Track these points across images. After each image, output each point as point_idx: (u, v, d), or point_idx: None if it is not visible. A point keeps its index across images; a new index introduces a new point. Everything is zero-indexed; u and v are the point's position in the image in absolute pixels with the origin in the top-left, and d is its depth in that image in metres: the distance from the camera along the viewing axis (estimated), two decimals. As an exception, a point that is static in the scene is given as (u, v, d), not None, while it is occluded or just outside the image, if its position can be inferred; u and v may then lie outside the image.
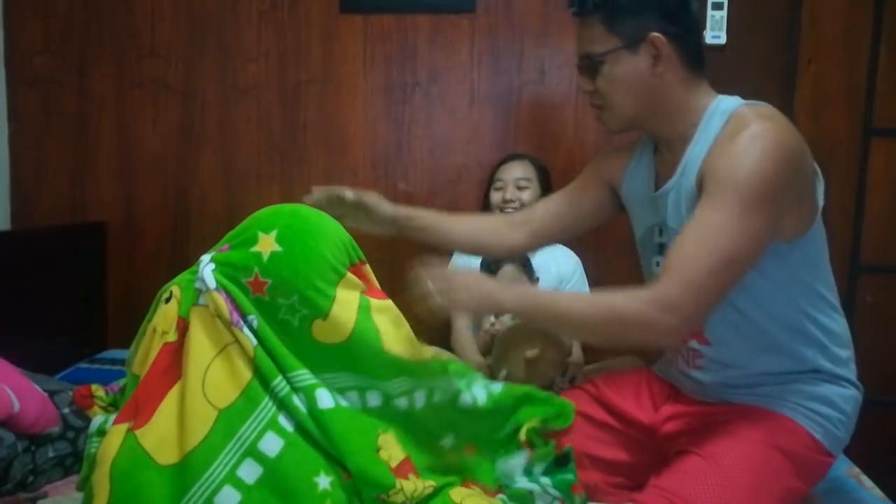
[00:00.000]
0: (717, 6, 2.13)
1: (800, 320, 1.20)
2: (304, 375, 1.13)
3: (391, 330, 1.18)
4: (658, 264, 1.32)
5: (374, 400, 1.18)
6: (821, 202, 1.21)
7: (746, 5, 2.16)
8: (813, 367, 1.21)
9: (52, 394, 1.42)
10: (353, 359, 1.15)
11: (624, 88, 1.22)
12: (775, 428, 1.17)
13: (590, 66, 1.24)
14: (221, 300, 1.15)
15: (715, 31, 2.14)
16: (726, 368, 1.25)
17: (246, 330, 1.14)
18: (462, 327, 1.99)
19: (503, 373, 1.67)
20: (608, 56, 1.21)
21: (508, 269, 1.86)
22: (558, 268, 2.01)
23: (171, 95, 2.33)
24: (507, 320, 1.77)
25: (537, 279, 1.91)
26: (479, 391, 1.27)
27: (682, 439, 1.21)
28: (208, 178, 2.34)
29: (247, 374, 1.14)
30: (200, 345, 1.15)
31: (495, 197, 2.04)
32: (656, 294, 1.07)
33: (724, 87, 2.15)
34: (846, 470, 1.46)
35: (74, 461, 1.39)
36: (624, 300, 1.09)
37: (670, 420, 1.30)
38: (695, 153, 1.20)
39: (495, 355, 1.68)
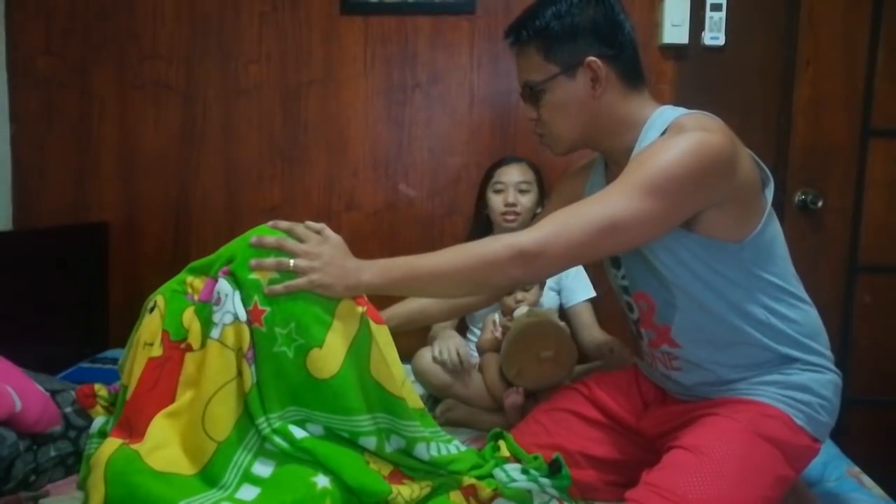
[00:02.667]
0: (716, 7, 2.14)
1: (762, 314, 1.22)
2: (276, 417, 1.15)
3: (382, 352, 1.19)
4: (618, 276, 1.37)
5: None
6: (768, 203, 1.23)
7: (745, 7, 2.17)
8: (784, 358, 1.23)
9: (53, 393, 1.43)
10: (338, 395, 1.15)
11: (565, 113, 1.27)
12: (757, 416, 1.19)
13: (531, 94, 1.29)
14: (247, 334, 1.16)
15: (714, 33, 2.15)
16: (701, 368, 1.27)
17: (253, 367, 1.15)
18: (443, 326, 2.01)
19: (515, 369, 1.67)
20: (547, 83, 1.26)
21: None
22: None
23: (172, 96, 2.33)
24: (519, 315, 1.78)
25: (544, 282, 1.92)
26: (442, 446, 1.26)
27: (669, 437, 1.23)
28: (210, 179, 2.35)
29: (240, 408, 1.16)
30: (207, 380, 1.16)
31: (496, 200, 2.03)
32: (520, 242, 1.12)
33: (722, 88, 2.18)
34: (846, 469, 1.46)
35: (76, 460, 1.40)
36: (492, 246, 1.14)
37: (656, 423, 1.33)
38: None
39: (507, 351, 1.69)
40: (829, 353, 1.27)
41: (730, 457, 1.12)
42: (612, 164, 1.34)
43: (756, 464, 1.14)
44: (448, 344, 1.78)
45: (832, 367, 1.27)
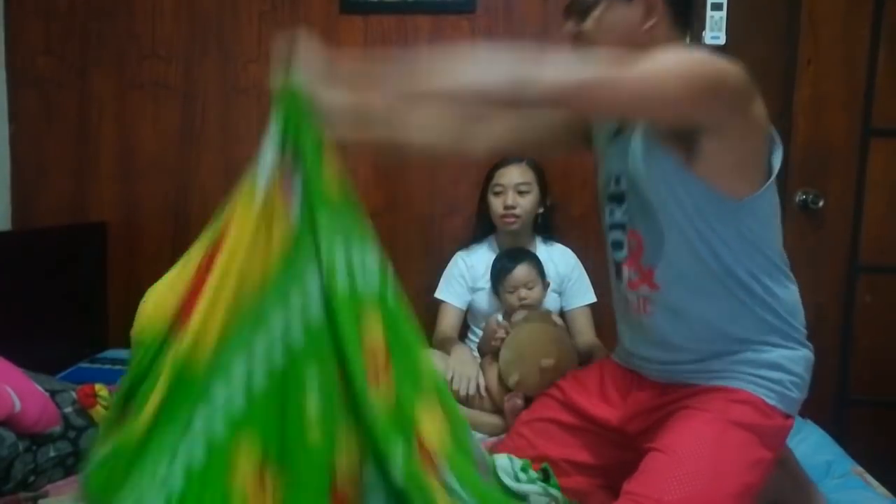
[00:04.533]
0: (717, 7, 2.14)
1: (747, 280, 1.20)
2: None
3: None
4: (617, 213, 1.33)
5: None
6: (775, 168, 1.22)
7: (746, 6, 2.16)
8: (760, 326, 1.22)
9: (53, 393, 1.43)
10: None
11: (612, 36, 1.22)
12: (728, 403, 1.19)
13: (581, 8, 1.24)
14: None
15: (714, 32, 2.15)
16: (676, 316, 1.25)
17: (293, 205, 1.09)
18: (447, 327, 2.00)
19: (514, 377, 1.66)
20: (602, 0, 1.22)
21: (523, 270, 1.86)
22: (556, 268, 2.02)
23: (171, 96, 2.33)
24: (518, 320, 1.77)
25: (549, 283, 1.92)
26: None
27: (647, 436, 1.23)
28: (209, 179, 2.35)
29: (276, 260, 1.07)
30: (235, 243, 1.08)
31: (495, 203, 2.02)
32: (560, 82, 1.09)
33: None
34: (851, 468, 1.47)
35: (76, 461, 1.39)
36: (551, 68, 1.10)
37: (635, 419, 1.31)
38: None
39: (506, 359, 1.68)
40: (804, 329, 1.27)
41: (702, 452, 1.13)
42: None
43: (730, 455, 1.14)
44: (465, 373, 1.76)
45: (806, 342, 1.26)
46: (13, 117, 2.34)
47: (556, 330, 1.77)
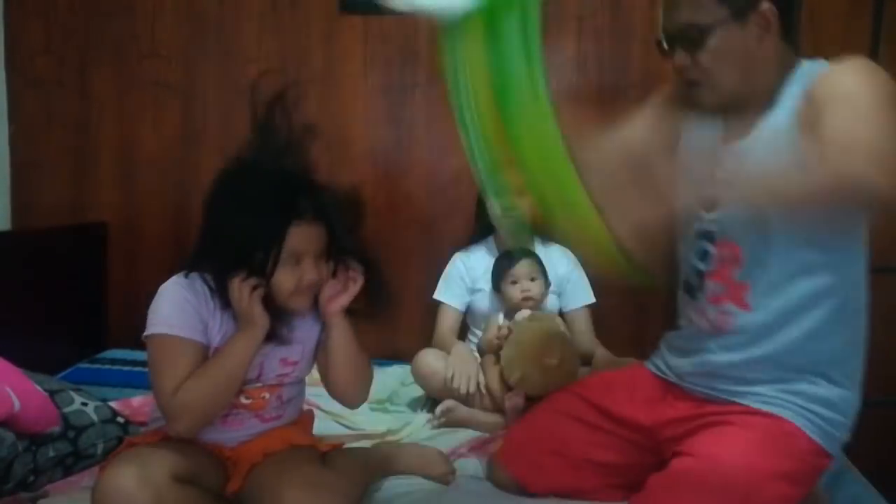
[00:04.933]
0: (717, 7, 2.13)
1: (851, 296, 1.20)
2: None
3: None
4: (703, 220, 1.22)
5: None
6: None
7: (746, 6, 2.16)
8: (829, 360, 1.19)
9: (52, 393, 1.43)
10: None
11: (730, 63, 1.15)
12: (774, 432, 1.15)
13: (692, 38, 1.14)
14: None
15: (714, 32, 2.14)
16: (758, 338, 1.20)
17: None
18: (447, 329, 1.99)
19: (517, 375, 1.66)
20: (716, 27, 1.13)
21: (526, 262, 1.86)
22: (555, 269, 2.01)
23: (171, 96, 2.33)
24: (521, 319, 1.76)
25: (549, 283, 1.92)
26: None
27: (681, 442, 1.20)
28: (209, 179, 2.31)
29: None
30: None
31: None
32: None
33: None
34: (846, 464, 1.47)
35: (75, 461, 1.40)
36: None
37: (670, 424, 1.27)
38: (781, 109, 1.15)
39: (510, 357, 1.67)
40: (860, 373, 1.24)
41: (738, 471, 1.10)
42: (734, 109, 1.22)
43: (763, 481, 1.11)
44: (465, 371, 1.76)
45: (858, 384, 1.24)
46: (13, 117, 2.34)
47: (560, 330, 1.76)
